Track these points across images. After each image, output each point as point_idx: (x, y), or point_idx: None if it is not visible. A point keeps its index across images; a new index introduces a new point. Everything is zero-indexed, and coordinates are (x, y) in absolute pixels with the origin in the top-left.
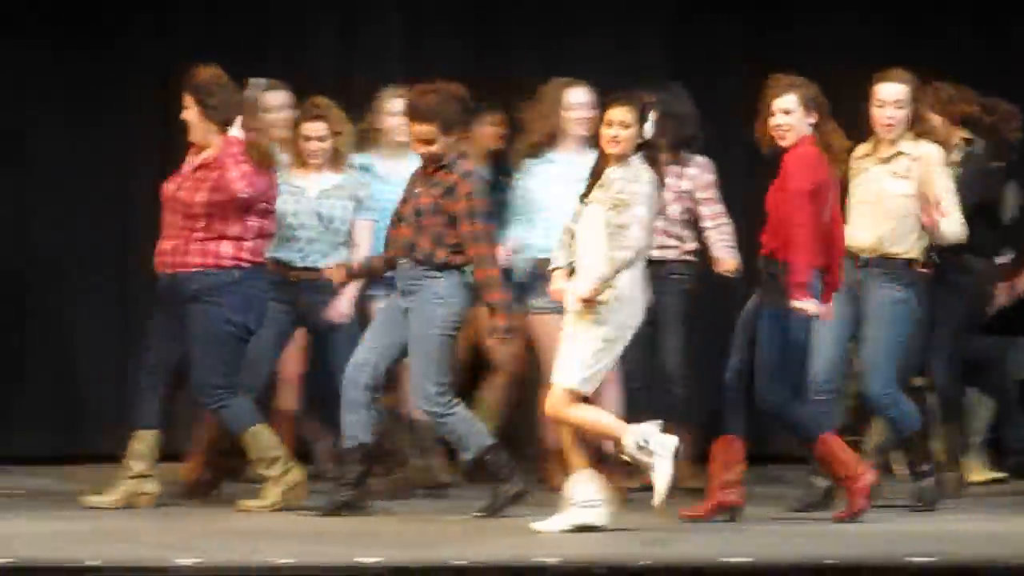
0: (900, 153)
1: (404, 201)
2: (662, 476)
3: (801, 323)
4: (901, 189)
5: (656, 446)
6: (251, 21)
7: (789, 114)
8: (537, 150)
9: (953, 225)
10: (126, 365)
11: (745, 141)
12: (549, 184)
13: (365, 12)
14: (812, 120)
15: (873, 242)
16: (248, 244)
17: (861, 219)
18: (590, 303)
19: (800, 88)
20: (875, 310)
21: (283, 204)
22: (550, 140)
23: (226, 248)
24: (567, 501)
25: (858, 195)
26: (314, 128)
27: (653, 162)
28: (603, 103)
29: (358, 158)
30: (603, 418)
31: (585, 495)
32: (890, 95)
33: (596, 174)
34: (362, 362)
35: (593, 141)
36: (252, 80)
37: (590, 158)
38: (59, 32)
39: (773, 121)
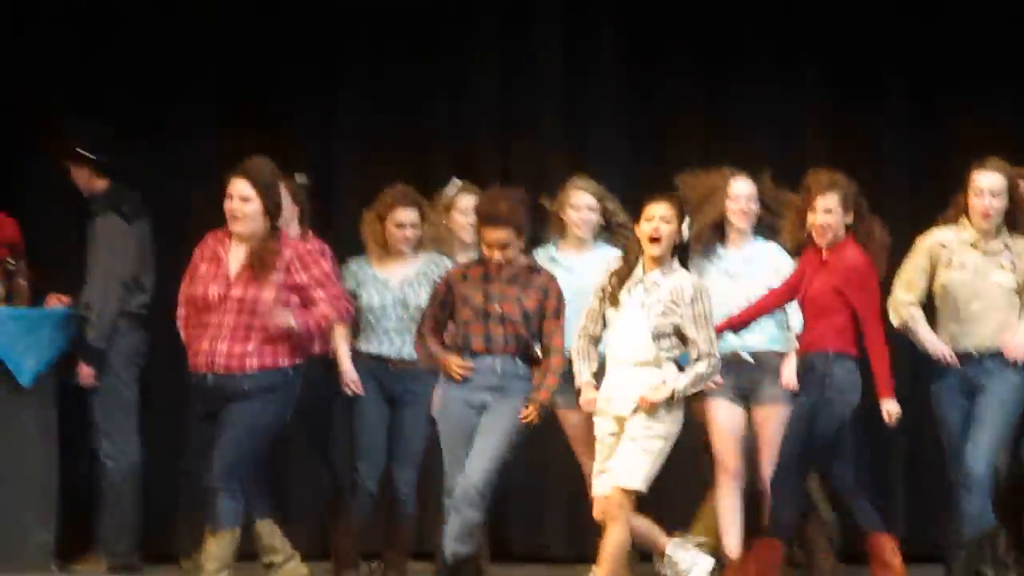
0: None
1: (487, 299)
2: None
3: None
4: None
5: (690, 562)
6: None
7: (831, 213)
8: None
9: None
10: None
11: None
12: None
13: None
14: (849, 219)
15: None
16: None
17: None
18: (655, 406)
19: (842, 186)
20: None
21: (368, 297)
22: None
23: (284, 348)
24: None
25: None
26: (408, 216)
27: (684, 263)
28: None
29: (542, 251)
30: (653, 529)
31: (688, 557)
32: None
33: (624, 275)
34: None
35: (606, 237)
36: (453, 180)
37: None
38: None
39: (816, 220)
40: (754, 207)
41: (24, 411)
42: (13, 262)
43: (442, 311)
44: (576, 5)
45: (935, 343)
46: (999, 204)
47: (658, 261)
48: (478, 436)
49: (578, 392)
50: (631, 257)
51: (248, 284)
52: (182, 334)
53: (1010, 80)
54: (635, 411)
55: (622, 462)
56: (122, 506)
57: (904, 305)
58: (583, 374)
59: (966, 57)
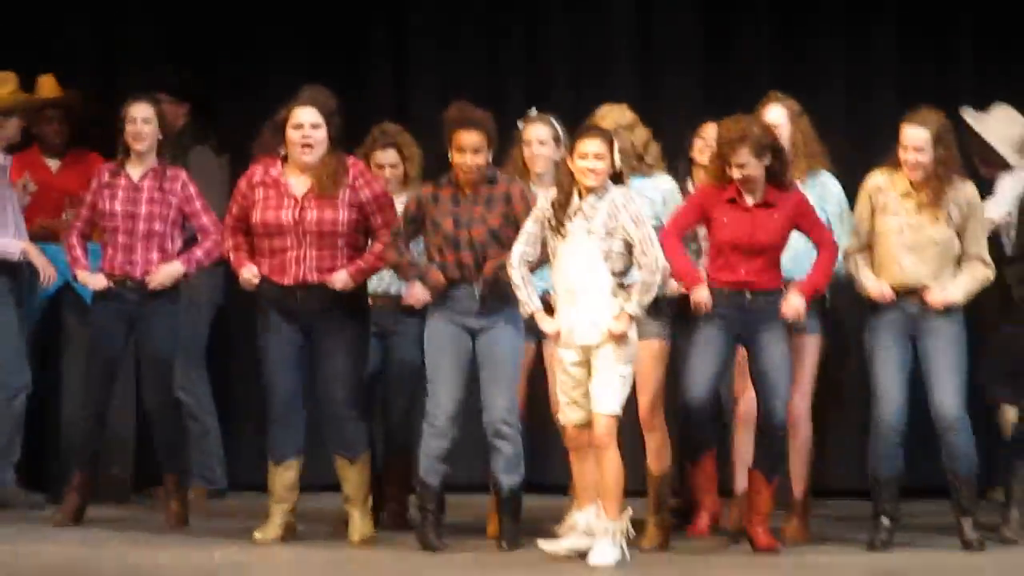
0: None
1: (456, 225)
2: (602, 556)
3: None
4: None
5: (611, 532)
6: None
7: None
8: None
9: None
10: None
11: None
12: None
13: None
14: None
15: None
16: None
17: None
18: (623, 335)
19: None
20: None
21: None
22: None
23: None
24: (580, 529)
25: None
26: (386, 156)
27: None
28: (574, 135)
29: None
30: (620, 480)
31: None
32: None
33: (563, 205)
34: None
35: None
36: (531, 110)
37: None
38: None
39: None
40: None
41: None
42: None
43: (412, 227)
44: None
45: (874, 283)
46: (924, 159)
47: (594, 191)
48: (482, 369)
49: (528, 317)
50: (567, 186)
51: (321, 204)
52: (232, 255)
53: None
54: (602, 343)
55: (603, 390)
56: (210, 437)
57: (848, 253)
58: (533, 301)
59: None
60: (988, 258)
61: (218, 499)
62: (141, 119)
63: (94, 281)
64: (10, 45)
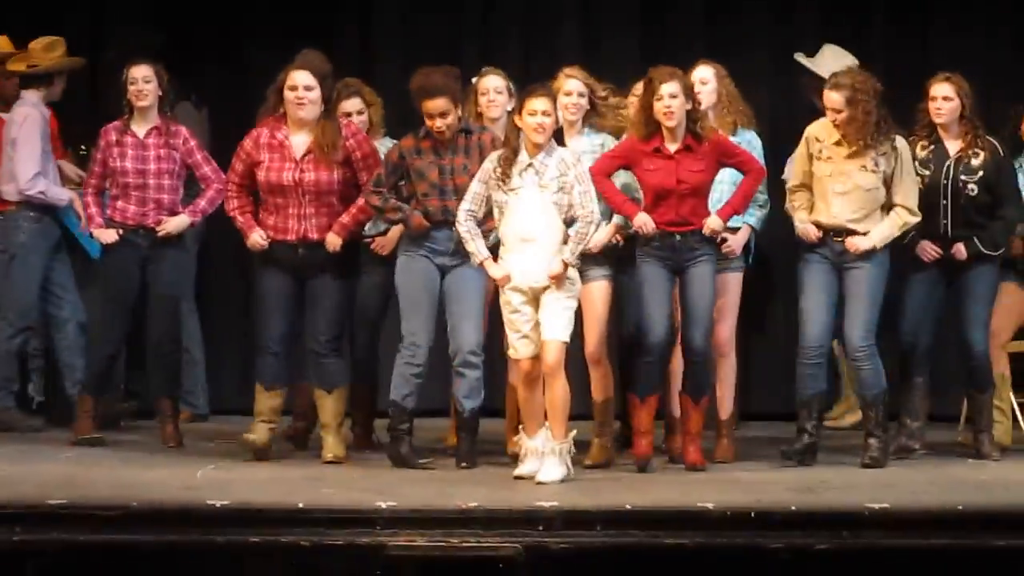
0: None
1: (441, 174)
2: (550, 473)
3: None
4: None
5: (558, 451)
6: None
7: (675, 98)
8: None
9: None
10: None
11: None
12: None
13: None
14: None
15: None
16: None
17: None
18: (563, 278)
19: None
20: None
21: None
22: None
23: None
24: (539, 451)
25: None
26: (351, 104)
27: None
28: (521, 94)
29: None
30: (567, 403)
31: (547, 447)
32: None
33: (511, 162)
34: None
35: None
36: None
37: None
38: None
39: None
40: (706, 89)
41: (98, 283)
42: (86, 148)
43: (394, 177)
44: None
45: (801, 223)
46: (842, 117)
47: (541, 147)
48: (452, 303)
49: (478, 265)
50: (512, 143)
51: (318, 166)
52: (239, 218)
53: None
54: (548, 285)
55: (553, 321)
56: (197, 367)
57: (789, 192)
58: (483, 251)
59: None
60: (912, 206)
61: (200, 423)
62: (142, 79)
63: (107, 236)
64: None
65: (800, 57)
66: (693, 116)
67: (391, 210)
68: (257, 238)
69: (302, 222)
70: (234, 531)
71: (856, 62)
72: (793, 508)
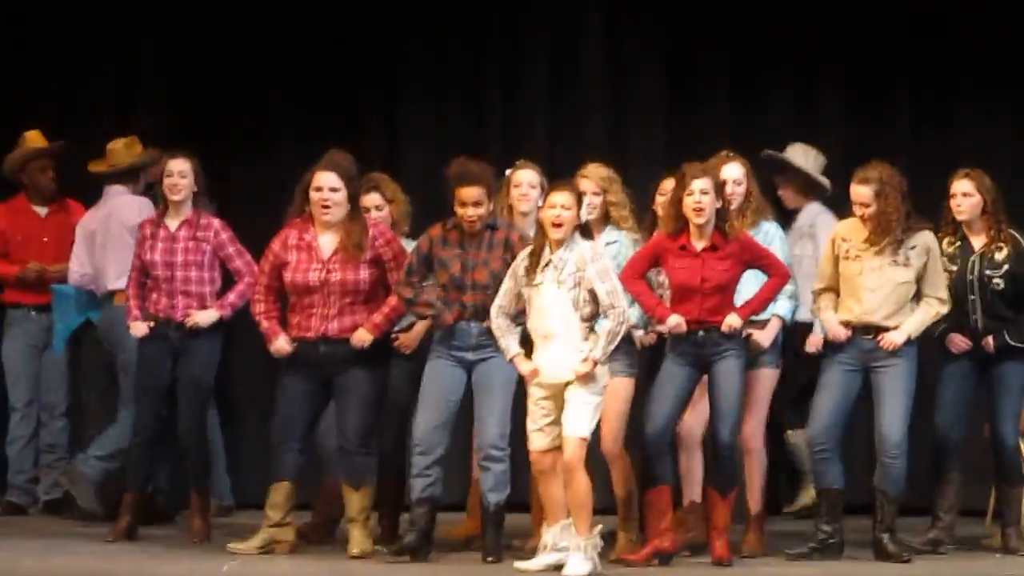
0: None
1: (463, 268)
2: (576, 568)
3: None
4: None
5: (583, 546)
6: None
7: (706, 195)
8: None
9: None
10: None
11: None
12: None
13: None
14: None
15: None
16: None
17: None
18: (588, 375)
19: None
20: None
21: None
22: None
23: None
24: (550, 546)
25: None
26: (371, 199)
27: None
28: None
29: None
30: (588, 499)
31: (565, 541)
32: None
33: (536, 257)
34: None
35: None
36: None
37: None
38: None
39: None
40: (739, 189)
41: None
42: None
43: (424, 267)
44: (617, 19)
45: (833, 323)
46: (870, 211)
47: (561, 242)
48: (479, 395)
49: (508, 361)
50: (540, 239)
51: (344, 266)
52: (264, 323)
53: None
54: (573, 380)
55: (573, 416)
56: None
57: (815, 295)
58: (513, 348)
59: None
60: (944, 296)
61: (225, 516)
62: (178, 172)
63: (138, 329)
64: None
65: (772, 154)
66: (722, 215)
67: (423, 305)
68: (282, 344)
69: (324, 322)
70: None
71: (824, 160)
72: None
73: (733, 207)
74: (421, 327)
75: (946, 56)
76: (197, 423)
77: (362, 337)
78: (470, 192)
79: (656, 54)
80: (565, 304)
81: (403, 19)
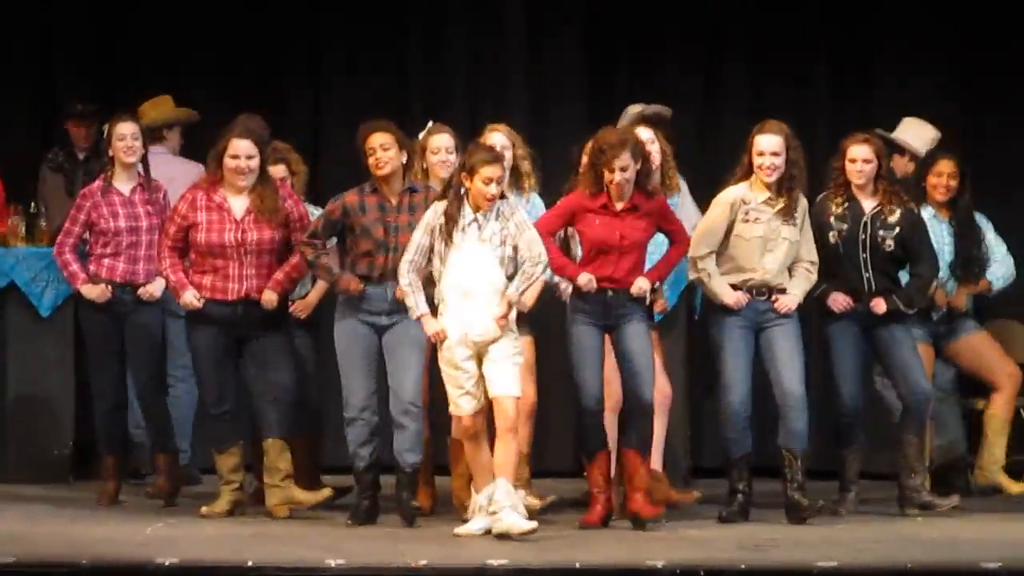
0: None
1: (387, 232)
2: (509, 523)
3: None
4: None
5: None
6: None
7: (626, 171)
8: None
9: None
10: None
11: None
12: None
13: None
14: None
15: None
16: None
17: None
18: (509, 321)
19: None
20: None
21: None
22: None
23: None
24: (486, 507)
25: None
26: (276, 170)
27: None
28: (473, 154)
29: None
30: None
31: (507, 501)
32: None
33: (452, 218)
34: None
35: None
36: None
37: None
38: None
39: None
40: (654, 148)
41: (43, 338)
42: (36, 206)
43: (330, 230)
44: None
45: (730, 292)
46: (779, 161)
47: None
48: (391, 356)
49: (415, 320)
50: (455, 201)
51: (259, 226)
52: (172, 276)
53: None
54: (497, 337)
55: (505, 376)
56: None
57: (699, 260)
58: (421, 306)
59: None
60: (816, 260)
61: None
62: (131, 135)
63: (98, 293)
64: None
65: (882, 133)
66: (645, 172)
67: (322, 268)
68: (191, 297)
69: (243, 282)
70: None
71: (938, 134)
72: (743, 567)
73: (655, 167)
74: (316, 295)
75: (868, 17)
76: (153, 384)
77: (270, 298)
78: (377, 136)
79: (573, 27)
80: (490, 261)
81: None
